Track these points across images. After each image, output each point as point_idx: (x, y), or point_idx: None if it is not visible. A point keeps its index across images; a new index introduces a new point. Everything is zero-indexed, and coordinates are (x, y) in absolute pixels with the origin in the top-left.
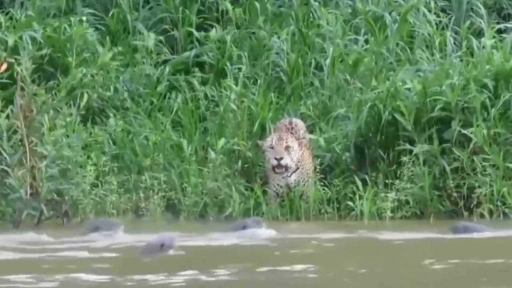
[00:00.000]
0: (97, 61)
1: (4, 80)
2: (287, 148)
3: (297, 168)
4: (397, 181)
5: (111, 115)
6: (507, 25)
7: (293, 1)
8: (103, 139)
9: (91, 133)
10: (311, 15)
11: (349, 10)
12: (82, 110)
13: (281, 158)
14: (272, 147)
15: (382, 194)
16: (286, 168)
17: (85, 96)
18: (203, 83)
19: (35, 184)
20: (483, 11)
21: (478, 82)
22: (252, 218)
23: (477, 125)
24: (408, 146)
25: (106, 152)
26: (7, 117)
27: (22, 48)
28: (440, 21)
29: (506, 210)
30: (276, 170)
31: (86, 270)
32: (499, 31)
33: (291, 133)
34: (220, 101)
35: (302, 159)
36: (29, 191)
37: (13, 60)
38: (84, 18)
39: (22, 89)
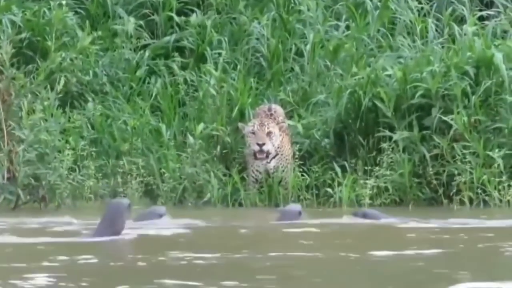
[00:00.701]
0: (77, 45)
1: None
2: (269, 133)
3: (277, 154)
4: (377, 168)
5: (90, 99)
6: (489, 12)
7: None
8: (81, 123)
9: (69, 117)
10: (292, 0)
11: None
12: (60, 93)
13: (263, 144)
14: (253, 133)
15: (361, 181)
16: (267, 154)
17: (62, 79)
18: (183, 68)
19: (12, 168)
20: None
21: (459, 69)
22: (290, 205)
23: (458, 112)
24: (388, 133)
25: (84, 136)
26: None
27: (2, 32)
28: (422, 8)
29: (486, 198)
30: (258, 155)
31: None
32: (481, 18)
33: (271, 119)
34: (199, 86)
35: (281, 145)
36: (6, 175)
37: None
38: (63, 2)
39: (1, 72)
